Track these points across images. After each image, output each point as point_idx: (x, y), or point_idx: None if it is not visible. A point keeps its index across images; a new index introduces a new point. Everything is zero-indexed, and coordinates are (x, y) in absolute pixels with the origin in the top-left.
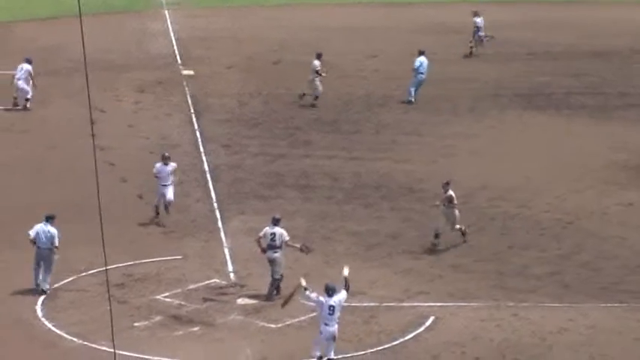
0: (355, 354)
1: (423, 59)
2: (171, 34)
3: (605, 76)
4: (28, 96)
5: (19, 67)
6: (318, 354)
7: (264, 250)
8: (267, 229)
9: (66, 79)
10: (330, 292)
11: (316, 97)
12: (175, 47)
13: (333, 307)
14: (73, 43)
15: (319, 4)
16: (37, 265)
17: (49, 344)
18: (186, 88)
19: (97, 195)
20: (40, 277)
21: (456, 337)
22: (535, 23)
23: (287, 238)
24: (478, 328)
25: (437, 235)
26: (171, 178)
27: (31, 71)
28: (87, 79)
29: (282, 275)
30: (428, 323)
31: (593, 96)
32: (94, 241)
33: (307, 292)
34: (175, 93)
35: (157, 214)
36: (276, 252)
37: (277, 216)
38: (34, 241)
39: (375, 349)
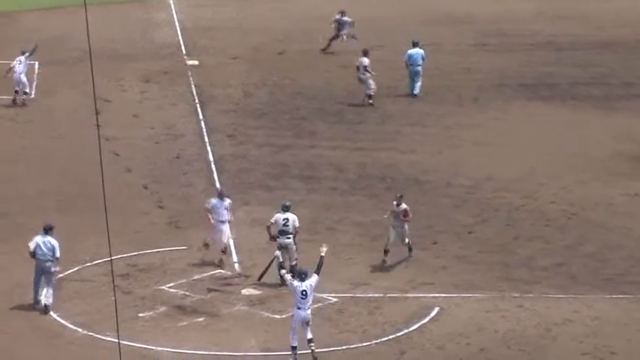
0: (360, 345)
1: (413, 51)
2: (176, 24)
3: (610, 67)
4: (27, 89)
5: (17, 60)
6: (294, 344)
7: (273, 238)
8: (279, 215)
9: (71, 69)
10: (301, 276)
11: (370, 96)
12: (180, 37)
13: (305, 291)
14: (78, 33)
15: None
16: (38, 278)
17: (54, 334)
18: (191, 79)
19: (101, 185)
20: (42, 291)
21: (461, 328)
22: (540, 14)
23: (298, 224)
24: (483, 319)
25: (386, 252)
26: (227, 215)
27: (28, 61)
28: (92, 68)
29: (297, 259)
30: (432, 314)
31: (597, 86)
32: (98, 231)
33: (283, 272)
34: (180, 83)
35: (222, 259)
36: (288, 237)
37: (287, 203)
38: (33, 254)
39: (379, 340)
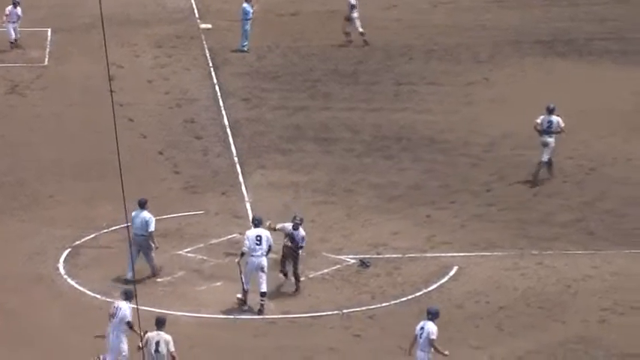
0: (379, 305)
1: (245, 5)
2: None
3: (627, 21)
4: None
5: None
6: (246, 286)
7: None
8: None
9: (83, 35)
10: (255, 222)
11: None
12: (193, 1)
13: (260, 236)
14: None
15: None
16: (134, 253)
17: (73, 301)
18: (205, 42)
19: (117, 151)
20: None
21: (480, 286)
22: None
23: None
24: (502, 277)
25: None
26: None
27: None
28: (104, 34)
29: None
30: (451, 273)
31: (615, 41)
32: (114, 197)
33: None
34: (193, 47)
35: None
36: None
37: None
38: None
39: (398, 300)
